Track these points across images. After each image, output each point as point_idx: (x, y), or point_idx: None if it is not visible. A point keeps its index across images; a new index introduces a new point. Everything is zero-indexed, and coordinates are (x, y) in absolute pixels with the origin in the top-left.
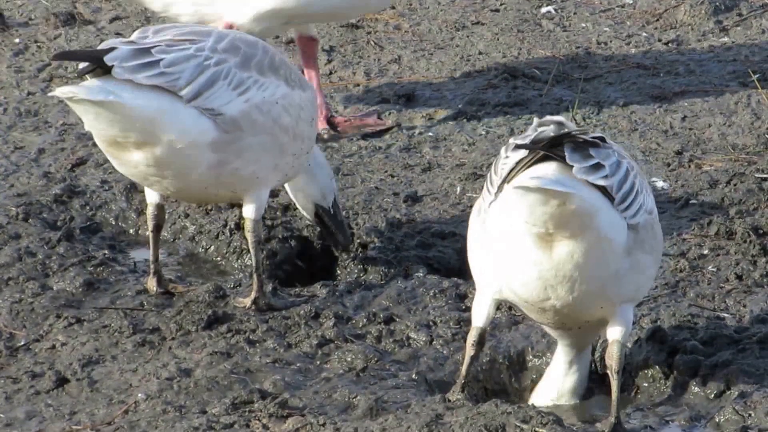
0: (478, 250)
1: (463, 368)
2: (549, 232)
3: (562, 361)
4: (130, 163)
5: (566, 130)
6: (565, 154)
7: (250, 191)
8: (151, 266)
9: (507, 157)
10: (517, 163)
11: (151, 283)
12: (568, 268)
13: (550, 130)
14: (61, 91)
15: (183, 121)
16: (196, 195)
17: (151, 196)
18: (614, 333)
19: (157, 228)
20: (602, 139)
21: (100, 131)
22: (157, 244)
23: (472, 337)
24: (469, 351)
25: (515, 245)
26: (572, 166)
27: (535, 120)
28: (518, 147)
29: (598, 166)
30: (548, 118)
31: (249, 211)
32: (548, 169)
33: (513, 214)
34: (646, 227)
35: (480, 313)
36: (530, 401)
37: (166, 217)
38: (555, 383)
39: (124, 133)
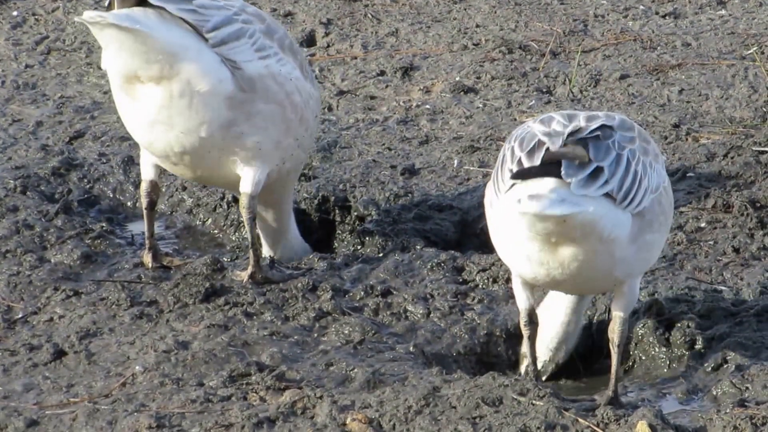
0: (494, 238)
1: (528, 354)
2: (552, 241)
3: (563, 313)
4: (142, 106)
5: (563, 142)
6: (562, 170)
7: (249, 165)
8: (147, 242)
9: (512, 170)
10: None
11: (147, 258)
12: (574, 266)
13: (550, 143)
14: (88, 15)
15: (205, 62)
16: (196, 161)
17: (147, 173)
18: (618, 307)
19: (151, 205)
20: (603, 128)
21: (122, 63)
22: (152, 220)
23: (521, 319)
24: (524, 332)
25: (521, 247)
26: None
27: (539, 131)
28: (515, 176)
29: (597, 172)
30: (554, 125)
31: (246, 186)
32: (546, 185)
33: (516, 226)
34: (653, 207)
35: (519, 296)
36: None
37: (164, 189)
38: (555, 335)
39: (146, 65)
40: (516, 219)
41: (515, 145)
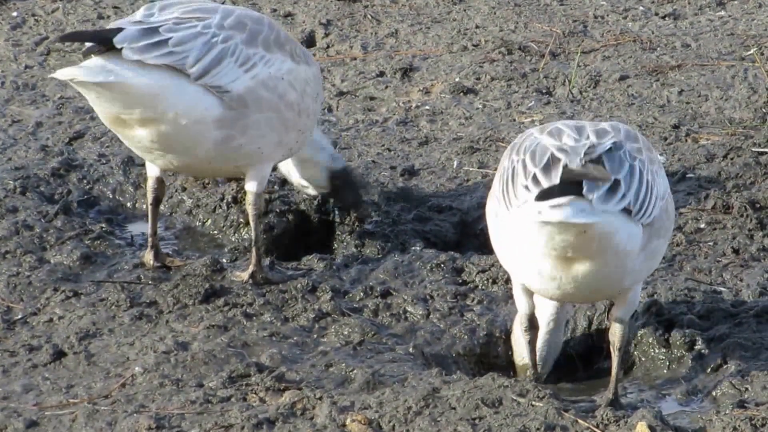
0: (499, 250)
1: (528, 358)
2: (568, 256)
3: (544, 331)
4: (135, 138)
5: (581, 159)
6: (584, 188)
7: (253, 166)
8: (150, 240)
9: (527, 187)
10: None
11: (149, 257)
12: (587, 281)
13: (568, 161)
14: (61, 74)
15: (188, 98)
16: (200, 170)
17: (152, 170)
18: (620, 312)
19: (156, 201)
20: (615, 144)
21: (104, 109)
22: (156, 217)
23: (522, 324)
24: (525, 337)
25: (534, 264)
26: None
27: (551, 145)
28: (540, 198)
29: (615, 186)
30: (564, 139)
31: (251, 185)
32: (566, 197)
33: (531, 240)
34: (661, 215)
35: (520, 301)
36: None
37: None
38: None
39: (128, 110)
40: (533, 233)
41: (527, 159)
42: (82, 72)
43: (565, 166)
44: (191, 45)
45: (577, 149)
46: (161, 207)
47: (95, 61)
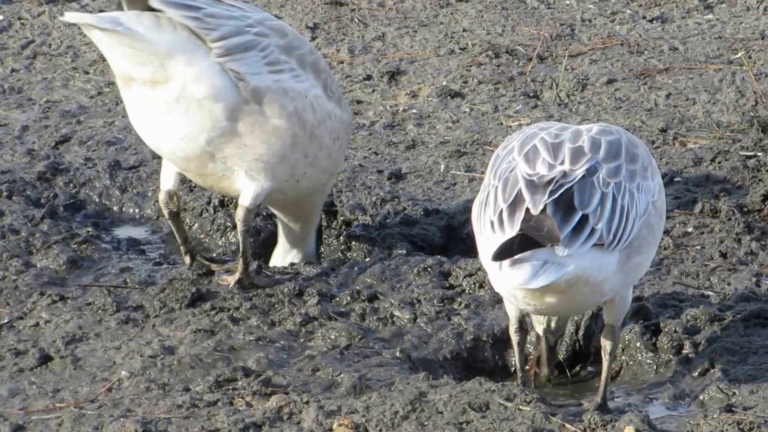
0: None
1: (516, 360)
2: (537, 294)
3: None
4: (144, 109)
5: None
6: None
7: (252, 178)
8: (182, 248)
9: (492, 225)
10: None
11: (187, 260)
12: (561, 307)
13: (531, 203)
14: (69, 16)
15: (201, 70)
16: (201, 169)
17: (165, 182)
18: (611, 317)
19: (172, 215)
20: (588, 170)
21: (114, 64)
22: (181, 228)
23: (511, 326)
24: (513, 338)
25: (509, 297)
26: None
27: (523, 173)
28: (496, 258)
29: (582, 221)
30: (538, 165)
31: (245, 199)
32: (530, 253)
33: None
34: (640, 232)
35: (509, 306)
36: None
37: (150, 194)
38: None
39: (137, 67)
40: (496, 278)
41: (499, 188)
42: (93, 17)
43: (527, 213)
44: (222, 22)
45: (545, 180)
46: (147, 210)
47: (112, 13)
